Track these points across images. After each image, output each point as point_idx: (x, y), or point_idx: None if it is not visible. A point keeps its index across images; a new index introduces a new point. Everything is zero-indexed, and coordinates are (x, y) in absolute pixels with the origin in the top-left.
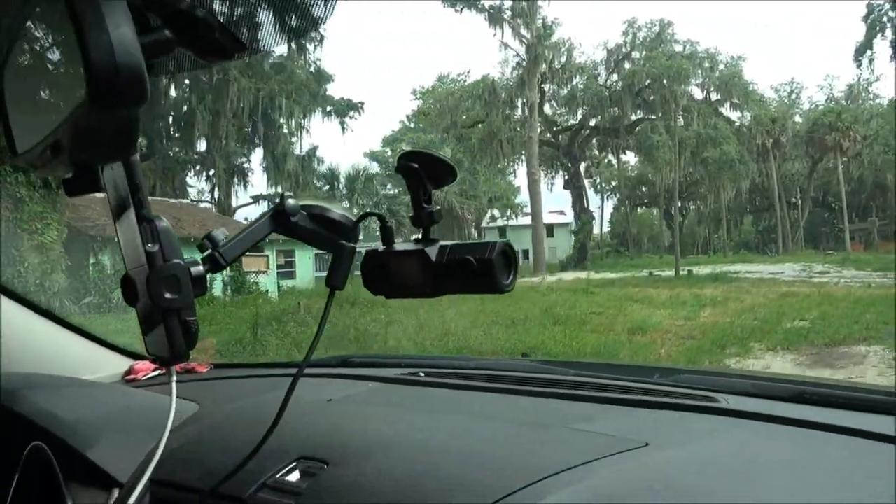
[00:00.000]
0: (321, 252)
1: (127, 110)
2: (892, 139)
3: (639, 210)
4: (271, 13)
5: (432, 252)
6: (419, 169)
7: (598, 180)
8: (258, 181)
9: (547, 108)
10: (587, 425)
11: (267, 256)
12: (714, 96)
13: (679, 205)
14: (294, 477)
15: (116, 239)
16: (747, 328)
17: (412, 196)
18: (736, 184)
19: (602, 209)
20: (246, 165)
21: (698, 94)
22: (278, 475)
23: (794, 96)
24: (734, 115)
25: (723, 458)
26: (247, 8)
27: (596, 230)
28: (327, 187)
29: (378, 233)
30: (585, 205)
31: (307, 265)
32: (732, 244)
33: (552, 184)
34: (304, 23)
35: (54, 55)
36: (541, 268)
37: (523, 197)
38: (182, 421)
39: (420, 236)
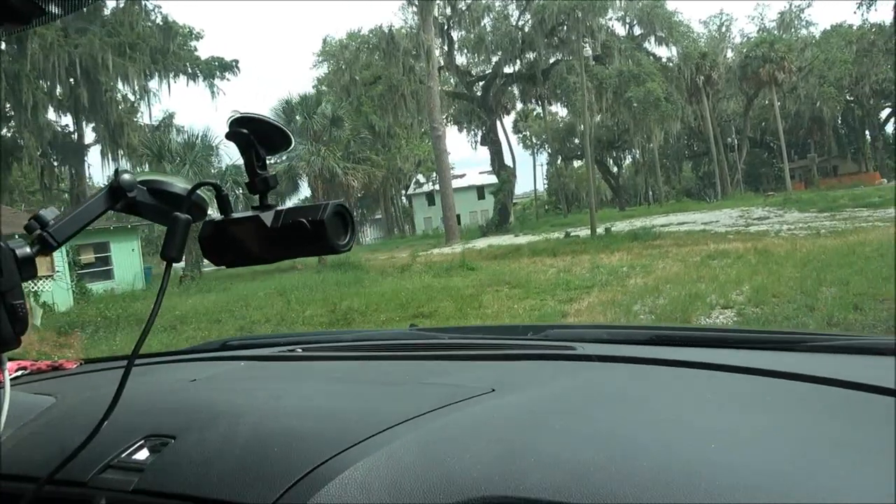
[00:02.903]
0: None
1: None
2: (827, 70)
3: (575, 164)
4: None
5: (267, 218)
6: (250, 135)
7: (528, 134)
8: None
9: (462, 60)
10: (443, 379)
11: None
12: (637, 31)
13: (614, 155)
14: (141, 455)
15: None
16: None
17: (245, 162)
18: (664, 125)
19: (535, 165)
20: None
21: (620, 29)
22: (123, 455)
23: (724, 29)
24: (661, 52)
25: (564, 396)
26: None
27: (528, 189)
28: (156, 159)
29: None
30: (505, 161)
31: (131, 261)
32: (674, 192)
33: (476, 141)
34: None
35: None
36: (452, 235)
37: (454, 158)
38: (36, 414)
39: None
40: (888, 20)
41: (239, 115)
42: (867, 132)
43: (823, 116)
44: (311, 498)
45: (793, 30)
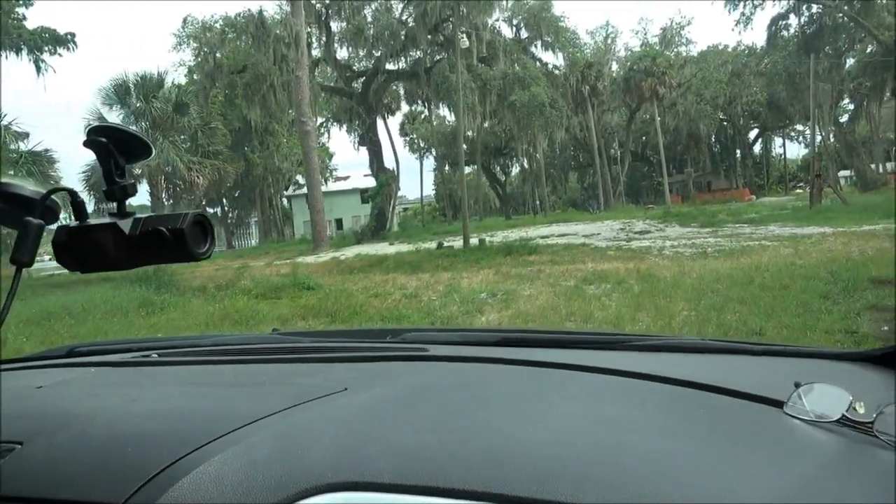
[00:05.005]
0: None
1: None
2: (704, 88)
3: (465, 170)
4: None
5: (125, 225)
6: (108, 144)
7: (415, 137)
8: None
9: (343, 54)
10: (299, 380)
11: None
12: (523, 34)
13: (501, 162)
14: None
15: None
16: None
17: (104, 171)
18: (549, 131)
19: (421, 170)
20: None
21: (507, 31)
22: None
23: (609, 41)
24: (547, 58)
25: (412, 392)
26: None
27: (415, 195)
28: None
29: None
30: (385, 164)
31: None
32: (560, 202)
33: (357, 143)
34: None
35: None
36: (321, 242)
37: (339, 159)
38: None
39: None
40: (759, 42)
41: (97, 124)
42: (738, 150)
43: (700, 133)
44: (164, 494)
45: (673, 46)
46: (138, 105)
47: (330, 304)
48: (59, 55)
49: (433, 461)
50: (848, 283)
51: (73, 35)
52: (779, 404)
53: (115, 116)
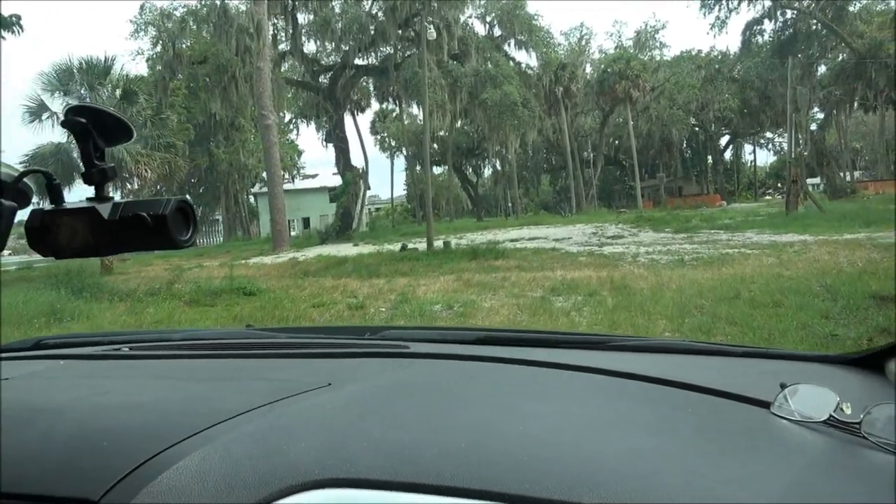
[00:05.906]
0: None
1: None
2: (677, 93)
3: (435, 170)
4: None
5: (104, 210)
6: (87, 124)
7: (386, 136)
8: None
9: (311, 48)
10: (279, 375)
11: None
12: (496, 32)
13: (473, 163)
14: None
15: None
16: None
17: (82, 153)
18: (521, 132)
19: (392, 169)
20: None
21: (480, 28)
22: None
23: (583, 42)
24: (521, 57)
25: (395, 388)
26: None
27: (388, 194)
28: None
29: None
30: (353, 162)
31: None
32: (532, 204)
33: (324, 139)
34: None
35: None
36: (282, 242)
37: (308, 157)
38: None
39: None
40: (733, 48)
41: (77, 103)
42: (709, 156)
43: (672, 138)
44: (142, 490)
45: (647, 50)
46: (82, 92)
47: (264, 315)
48: (3, 38)
49: (421, 458)
50: (848, 301)
51: (18, 17)
52: (765, 405)
53: (56, 104)
